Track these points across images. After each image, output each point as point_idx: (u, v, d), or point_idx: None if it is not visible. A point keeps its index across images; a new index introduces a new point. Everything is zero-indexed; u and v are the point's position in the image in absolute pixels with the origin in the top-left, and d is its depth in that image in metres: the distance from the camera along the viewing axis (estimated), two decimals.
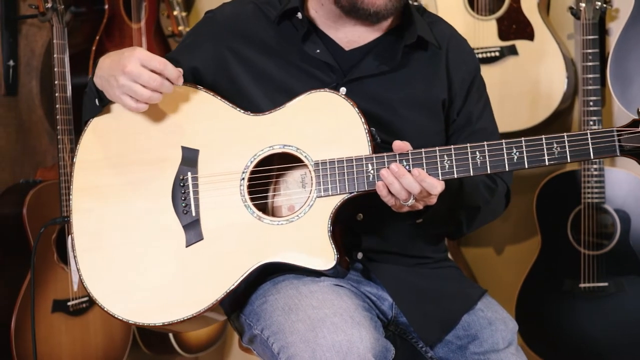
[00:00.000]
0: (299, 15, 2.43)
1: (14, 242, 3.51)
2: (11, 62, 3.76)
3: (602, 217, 3.66)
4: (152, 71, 2.20)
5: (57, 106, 3.47)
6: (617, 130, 2.12)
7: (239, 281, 2.22)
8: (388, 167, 2.16)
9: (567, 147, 2.14)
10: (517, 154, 2.16)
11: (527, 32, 3.82)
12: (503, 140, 2.17)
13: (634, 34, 3.48)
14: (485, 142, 2.17)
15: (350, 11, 2.37)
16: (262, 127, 2.28)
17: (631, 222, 3.61)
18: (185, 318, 2.22)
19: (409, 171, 2.15)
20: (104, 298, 2.27)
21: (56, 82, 3.47)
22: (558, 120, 3.86)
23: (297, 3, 2.42)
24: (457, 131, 2.48)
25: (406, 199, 2.16)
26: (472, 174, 2.18)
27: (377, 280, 2.38)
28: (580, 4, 3.63)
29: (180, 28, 4.36)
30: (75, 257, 2.30)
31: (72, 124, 3.49)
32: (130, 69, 2.19)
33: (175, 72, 2.22)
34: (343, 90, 2.35)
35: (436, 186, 2.15)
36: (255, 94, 2.37)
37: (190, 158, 2.30)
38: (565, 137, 2.14)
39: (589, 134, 2.13)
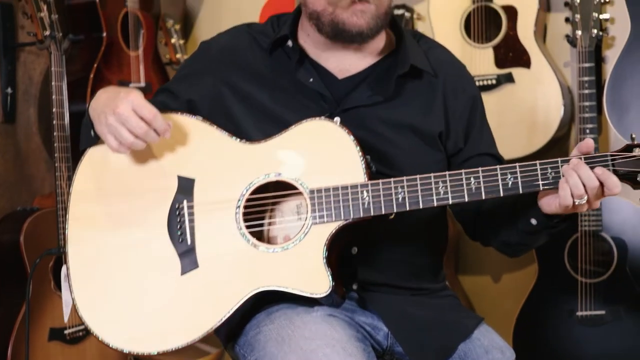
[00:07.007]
0: (290, 43, 2.43)
1: (10, 270, 3.50)
2: (9, 90, 3.77)
3: (599, 245, 3.66)
4: (142, 118, 2.21)
5: (54, 134, 3.48)
6: (611, 155, 2.13)
7: (234, 309, 2.21)
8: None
9: (561, 172, 2.14)
10: (512, 179, 2.16)
11: (523, 60, 3.84)
12: (497, 166, 2.18)
13: (630, 61, 3.49)
14: (479, 168, 2.18)
15: (335, 36, 2.36)
16: (258, 155, 2.28)
17: (628, 250, 3.61)
18: (181, 347, 2.21)
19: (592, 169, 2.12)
20: (99, 328, 2.27)
21: (54, 110, 3.48)
22: (555, 148, 3.86)
23: (287, 31, 2.43)
24: (466, 159, 2.46)
25: (581, 194, 2.11)
26: (466, 200, 2.18)
27: (373, 309, 2.37)
28: (577, 31, 3.64)
29: (178, 56, 4.38)
30: (70, 286, 2.30)
31: (70, 151, 3.49)
32: (121, 111, 2.19)
33: (163, 125, 2.22)
34: (337, 119, 2.34)
35: (618, 185, 2.11)
36: (249, 125, 2.37)
37: (186, 187, 2.30)
38: (560, 162, 2.15)
39: (582, 159, 2.13)
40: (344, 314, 2.33)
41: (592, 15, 3.63)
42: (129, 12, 4.02)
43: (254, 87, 2.42)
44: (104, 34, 3.93)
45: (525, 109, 3.83)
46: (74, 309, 2.30)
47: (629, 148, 2.14)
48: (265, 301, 2.31)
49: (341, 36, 2.36)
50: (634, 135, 2.16)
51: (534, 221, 2.28)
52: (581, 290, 3.64)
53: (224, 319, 2.21)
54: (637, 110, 3.47)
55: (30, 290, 3.29)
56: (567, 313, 3.67)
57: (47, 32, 3.50)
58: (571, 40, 3.70)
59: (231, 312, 2.21)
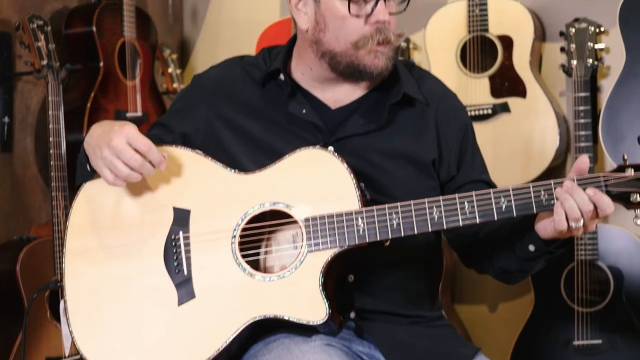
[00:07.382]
0: (282, 76, 2.44)
1: (6, 299, 3.50)
2: (6, 119, 3.78)
3: (596, 274, 3.66)
4: (137, 151, 2.21)
5: (51, 163, 3.48)
6: (604, 176, 2.14)
7: (231, 338, 2.20)
8: (562, 185, 2.14)
9: (554, 194, 2.15)
10: (505, 202, 2.17)
11: (519, 90, 3.85)
12: (491, 190, 2.19)
13: (625, 91, 3.51)
14: (473, 192, 2.19)
15: (351, 75, 2.39)
16: (253, 185, 2.28)
17: (624, 279, 3.61)
18: None
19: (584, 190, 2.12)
20: None
21: (51, 139, 3.48)
22: (551, 177, 3.83)
23: (279, 65, 2.44)
24: (459, 187, 2.46)
25: (578, 218, 2.12)
26: (461, 224, 2.19)
27: (370, 338, 2.37)
28: (572, 61, 3.66)
29: (175, 85, 4.40)
30: (67, 320, 2.30)
31: (67, 180, 3.50)
32: (115, 144, 2.20)
33: (158, 157, 2.23)
34: (331, 149, 2.35)
35: (610, 205, 2.11)
36: (243, 157, 2.38)
37: (181, 218, 2.30)
38: (552, 184, 2.15)
39: (575, 180, 2.14)
40: (342, 343, 2.33)
41: (587, 45, 3.65)
42: (126, 42, 4.04)
43: (247, 119, 2.43)
44: (101, 64, 3.94)
45: (521, 138, 3.84)
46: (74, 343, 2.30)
47: (621, 169, 2.15)
48: (263, 331, 2.30)
49: (357, 76, 2.38)
50: (626, 157, 2.17)
51: (531, 247, 2.28)
52: (578, 319, 3.64)
53: (221, 349, 2.20)
54: (633, 139, 3.48)
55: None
56: (564, 342, 3.66)
57: (45, 62, 3.52)
58: (567, 70, 3.72)
59: (228, 341, 2.20)
